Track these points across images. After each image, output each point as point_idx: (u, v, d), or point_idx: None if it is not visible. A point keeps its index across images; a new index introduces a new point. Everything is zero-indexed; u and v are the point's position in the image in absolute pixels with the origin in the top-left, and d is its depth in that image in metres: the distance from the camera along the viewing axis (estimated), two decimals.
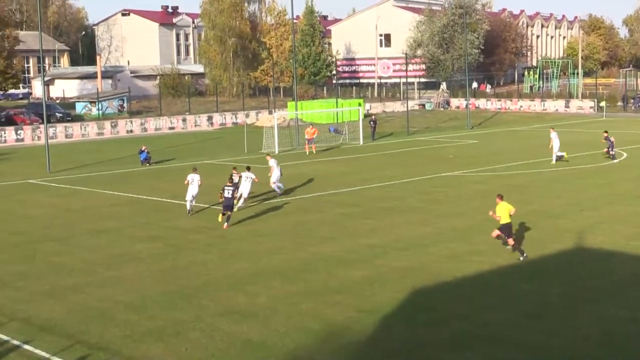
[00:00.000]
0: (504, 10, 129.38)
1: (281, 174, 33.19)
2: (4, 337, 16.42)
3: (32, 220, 29.36)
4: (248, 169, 30.92)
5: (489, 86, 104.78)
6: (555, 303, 18.01)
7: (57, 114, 70.33)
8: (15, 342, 16.15)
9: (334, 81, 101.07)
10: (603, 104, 76.11)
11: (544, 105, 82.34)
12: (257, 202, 31.52)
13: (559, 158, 41.75)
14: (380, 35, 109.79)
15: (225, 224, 26.96)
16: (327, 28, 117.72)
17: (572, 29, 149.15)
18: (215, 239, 25.28)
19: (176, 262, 22.48)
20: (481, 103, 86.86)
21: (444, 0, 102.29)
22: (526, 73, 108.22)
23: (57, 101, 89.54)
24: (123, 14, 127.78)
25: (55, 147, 51.99)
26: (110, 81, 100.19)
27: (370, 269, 21.13)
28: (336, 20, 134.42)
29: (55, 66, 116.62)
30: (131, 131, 66.85)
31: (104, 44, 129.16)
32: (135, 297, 19.05)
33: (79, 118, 72.70)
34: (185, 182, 29.77)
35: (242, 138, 52.37)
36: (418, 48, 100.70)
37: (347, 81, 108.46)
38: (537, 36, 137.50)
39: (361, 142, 54.95)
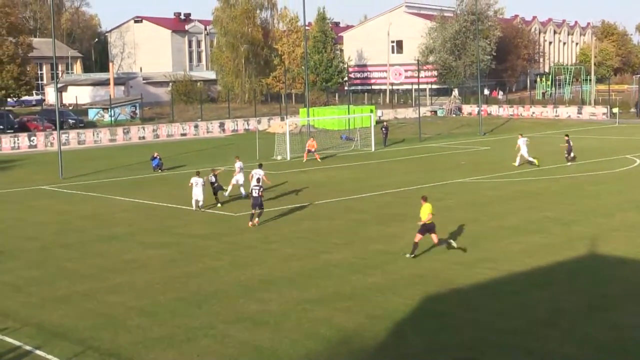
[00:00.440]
0: (516, 16, 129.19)
1: (243, 182, 33.63)
2: (17, 343, 16.45)
3: (44, 226, 29.45)
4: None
5: (501, 93, 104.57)
6: (568, 310, 17.90)
7: (69, 120, 70.69)
8: (28, 347, 16.19)
9: (346, 88, 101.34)
10: (616, 110, 75.80)
11: (556, 111, 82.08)
12: (269, 209, 31.48)
13: (527, 161, 43.05)
14: (392, 41, 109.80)
15: (257, 219, 27.95)
16: (339, 35, 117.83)
17: (584, 35, 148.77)
18: (226, 246, 25.28)
19: (187, 268, 22.49)
20: (493, 109, 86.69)
21: (456, 6, 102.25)
22: (538, 79, 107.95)
23: (70, 108, 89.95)
24: (136, 21, 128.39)
25: (67, 153, 52.21)
26: (122, 88, 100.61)
27: (381, 276, 21.07)
28: (348, 27, 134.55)
29: (68, 73, 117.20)
30: (143, 137, 67.05)
31: (116, 50, 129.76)
32: (147, 303, 19.06)
33: (91, 124, 73.02)
34: (189, 184, 31.70)
35: (254, 144, 52.42)
36: (430, 54, 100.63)
37: (359, 88, 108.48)
38: (550, 42, 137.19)
39: (373, 149, 54.91)
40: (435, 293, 19.45)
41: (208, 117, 77.33)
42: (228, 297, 19.48)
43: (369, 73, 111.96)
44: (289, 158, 49.30)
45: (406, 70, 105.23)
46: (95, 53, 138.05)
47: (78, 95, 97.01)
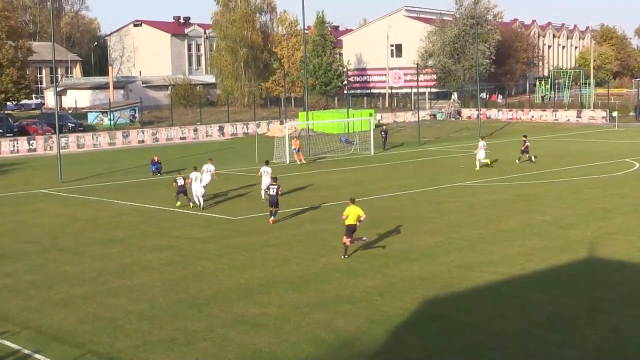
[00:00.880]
0: (515, 20, 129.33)
1: (206, 186, 34.02)
2: (16, 347, 16.44)
3: (43, 230, 29.45)
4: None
5: (500, 96, 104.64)
6: (568, 313, 17.90)
7: (69, 124, 70.76)
8: (27, 351, 16.18)
9: (345, 91, 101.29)
10: (615, 114, 75.89)
11: (555, 115, 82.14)
12: (268, 213, 31.51)
13: (483, 164, 44.46)
14: (391, 45, 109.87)
15: (272, 218, 28.74)
16: (338, 38, 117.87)
17: (584, 39, 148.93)
18: (225, 249, 25.28)
19: (187, 271, 22.49)
20: (492, 113, 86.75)
21: (455, 10, 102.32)
22: (538, 83, 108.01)
23: (70, 111, 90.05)
24: (135, 25, 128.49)
25: (67, 157, 52.23)
26: (122, 91, 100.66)
27: (381, 279, 21.07)
28: (347, 31, 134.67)
29: (67, 77, 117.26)
30: (143, 141, 67.09)
31: (116, 54, 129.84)
32: (146, 307, 19.06)
33: (91, 128, 73.08)
34: (189, 180, 32.98)
35: (253, 148, 52.46)
36: (429, 58, 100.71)
37: (358, 91, 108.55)
38: (549, 46, 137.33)
39: (372, 152, 54.94)
40: (434, 296, 19.46)
41: (207, 120, 77.37)
42: (227, 300, 19.48)
43: (368, 77, 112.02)
44: (287, 162, 49.30)
45: (405, 74, 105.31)
46: (94, 57, 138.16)
47: (77, 98, 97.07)
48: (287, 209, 31.86)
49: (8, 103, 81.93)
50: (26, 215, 32.90)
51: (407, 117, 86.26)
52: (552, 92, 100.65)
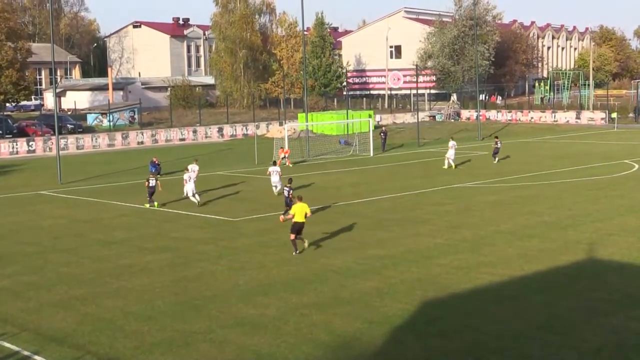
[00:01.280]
0: (514, 21, 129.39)
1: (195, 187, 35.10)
2: (15, 348, 16.44)
3: (42, 231, 29.45)
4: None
5: (499, 97, 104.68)
6: (567, 315, 17.90)
7: (68, 125, 70.77)
8: (26, 352, 16.17)
9: (345, 93, 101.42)
10: (614, 115, 75.93)
11: (554, 116, 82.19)
12: (267, 214, 31.53)
13: (449, 165, 45.54)
14: (391, 46, 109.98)
15: (282, 216, 29.15)
16: (337, 40, 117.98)
17: (583, 40, 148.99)
18: (224, 250, 25.29)
19: (186, 273, 22.49)
20: (492, 114, 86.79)
21: (454, 11, 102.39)
22: (537, 84, 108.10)
23: (69, 113, 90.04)
24: (134, 26, 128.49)
25: (66, 158, 52.23)
26: (121, 93, 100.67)
27: (380, 280, 21.07)
28: (346, 32, 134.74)
29: (67, 78, 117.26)
30: (142, 142, 67.10)
31: (115, 55, 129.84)
32: (145, 308, 19.06)
33: (90, 129, 73.10)
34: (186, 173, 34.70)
35: (252, 149, 52.47)
36: (428, 59, 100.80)
37: (358, 92, 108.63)
38: (548, 47, 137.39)
39: (371, 154, 54.95)
40: (433, 298, 19.46)
41: (207, 122, 77.38)
42: (226, 301, 19.48)
43: (367, 78, 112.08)
44: (287, 163, 49.29)
45: (405, 75, 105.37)
46: (94, 58, 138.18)
47: (77, 100, 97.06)
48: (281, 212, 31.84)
49: (7, 104, 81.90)
50: (25, 217, 32.89)
51: (406, 118, 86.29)
52: (552, 94, 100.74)
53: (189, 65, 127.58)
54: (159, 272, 22.66)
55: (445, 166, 45.65)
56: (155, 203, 34.09)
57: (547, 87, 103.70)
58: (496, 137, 50.35)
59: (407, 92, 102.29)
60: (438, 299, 19.43)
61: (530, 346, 16.03)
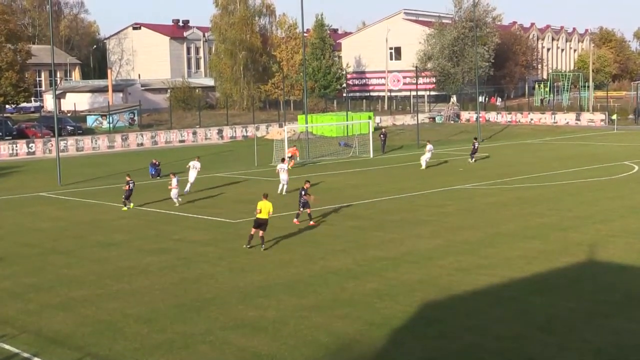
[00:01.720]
0: (514, 23, 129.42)
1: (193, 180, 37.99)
2: (15, 350, 16.41)
3: (42, 233, 29.43)
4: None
5: (499, 99, 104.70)
6: (567, 316, 17.88)
7: (68, 127, 70.79)
8: (26, 354, 16.15)
9: (344, 94, 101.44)
10: (614, 117, 75.94)
11: (554, 118, 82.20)
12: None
13: (422, 166, 46.51)
14: (391, 48, 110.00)
15: (296, 220, 29.43)
16: (337, 41, 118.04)
17: (582, 41, 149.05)
18: (224, 252, 25.27)
19: (186, 275, 22.47)
20: (491, 116, 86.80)
21: (454, 13, 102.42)
22: (537, 86, 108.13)
23: (69, 114, 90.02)
24: (134, 28, 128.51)
25: (66, 160, 52.22)
26: (121, 94, 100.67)
27: (380, 282, 21.05)
28: (346, 34, 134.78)
29: (66, 80, 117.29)
30: (142, 144, 67.10)
31: (115, 57, 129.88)
32: (145, 310, 19.04)
33: (90, 131, 73.11)
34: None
35: (252, 151, 52.46)
36: (428, 61, 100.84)
37: (357, 94, 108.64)
38: (548, 49, 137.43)
39: (371, 155, 54.94)
40: (433, 299, 19.44)
41: (206, 123, 77.38)
42: (226, 303, 19.46)
43: (367, 80, 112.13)
44: (287, 166, 49.21)
45: (404, 77, 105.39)
46: (93, 60, 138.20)
47: (76, 102, 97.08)
48: (286, 212, 31.85)
49: (7, 106, 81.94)
50: (25, 219, 32.87)
51: (406, 120, 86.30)
52: (551, 95, 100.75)
53: (189, 67, 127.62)
54: (159, 274, 22.65)
55: (423, 167, 46.44)
56: (132, 204, 34.30)
57: (547, 89, 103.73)
58: (475, 139, 51.69)
59: (407, 93, 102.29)
60: (438, 300, 19.41)
61: (530, 347, 16.01)
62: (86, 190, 41.04)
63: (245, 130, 74.27)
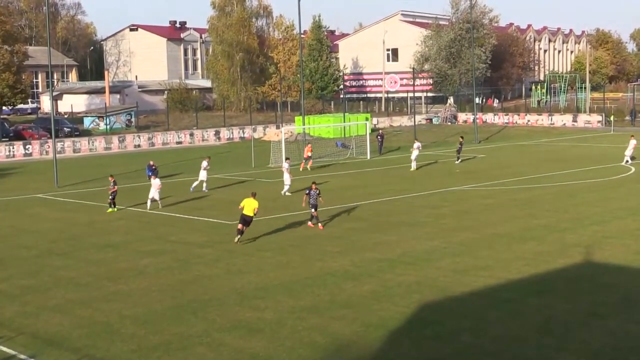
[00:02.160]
0: (511, 24, 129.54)
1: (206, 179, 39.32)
2: (11, 352, 16.40)
3: (39, 235, 29.40)
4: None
5: (496, 100, 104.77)
6: (564, 318, 17.90)
7: (65, 128, 70.68)
8: (22, 356, 16.14)
9: (342, 96, 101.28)
10: (611, 118, 76.01)
11: (551, 119, 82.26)
12: (265, 217, 31.51)
13: (412, 165, 47.02)
14: (388, 49, 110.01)
15: (310, 222, 29.19)
16: (334, 43, 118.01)
17: (579, 43, 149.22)
18: (221, 253, 25.26)
19: (183, 276, 22.46)
20: (488, 117, 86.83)
21: (451, 14, 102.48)
22: (533, 87, 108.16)
23: (65, 116, 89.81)
24: (131, 29, 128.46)
25: (63, 161, 52.17)
26: (118, 96, 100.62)
27: (377, 284, 21.06)
28: (343, 35, 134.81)
29: (63, 81, 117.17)
30: (139, 146, 67.05)
31: (112, 59, 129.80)
32: (142, 312, 19.03)
33: (87, 133, 73.04)
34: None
35: (249, 152, 52.45)
36: (425, 62, 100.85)
37: (355, 96, 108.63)
38: (545, 50, 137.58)
39: (368, 157, 54.95)
40: (430, 301, 19.45)
41: (203, 125, 77.36)
42: (223, 304, 19.46)
43: (364, 81, 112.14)
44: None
45: (402, 78, 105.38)
46: (90, 61, 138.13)
47: (73, 103, 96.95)
48: (283, 214, 31.87)
49: (4, 107, 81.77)
50: (22, 220, 32.84)
51: (403, 121, 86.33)
52: (548, 97, 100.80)
53: (186, 68, 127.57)
54: (156, 275, 22.64)
55: (413, 168, 46.79)
56: (116, 208, 34.14)
57: (544, 90, 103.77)
58: (461, 137, 52.49)
59: (404, 95, 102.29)
60: (435, 302, 19.42)
61: (527, 349, 16.02)
62: (83, 191, 41.01)
63: (243, 131, 74.27)
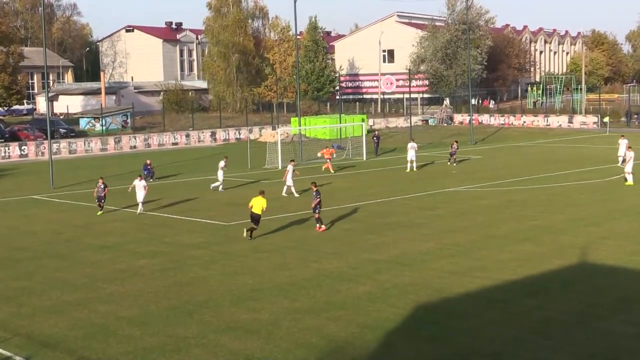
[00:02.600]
0: (507, 26, 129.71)
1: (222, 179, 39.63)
2: (7, 353, 16.37)
3: (35, 236, 29.36)
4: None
5: (492, 102, 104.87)
6: (560, 319, 17.92)
7: (60, 129, 70.62)
8: (18, 358, 16.11)
9: (337, 97, 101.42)
10: (607, 119, 76.12)
11: (547, 120, 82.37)
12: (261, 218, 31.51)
13: (411, 168, 46.96)
14: (384, 51, 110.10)
15: (319, 226, 28.80)
16: (330, 44, 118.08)
17: (575, 44, 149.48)
18: (217, 255, 25.25)
19: (179, 277, 22.45)
20: (484, 118, 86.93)
21: (447, 16, 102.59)
22: (529, 88, 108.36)
23: (61, 117, 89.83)
24: (127, 30, 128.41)
25: (58, 162, 52.12)
26: (114, 97, 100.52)
27: (373, 285, 21.07)
28: (339, 36, 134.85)
29: (59, 82, 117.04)
30: (135, 147, 67.00)
31: (107, 60, 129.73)
32: (138, 313, 19.01)
33: (82, 134, 72.93)
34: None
35: (245, 154, 52.43)
36: (421, 64, 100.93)
37: (351, 97, 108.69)
38: (541, 52, 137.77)
39: (364, 158, 54.97)
40: (426, 302, 19.46)
41: (199, 126, 77.32)
42: (219, 306, 19.45)
43: (360, 82, 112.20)
44: (280, 167, 49.29)
45: (397, 80, 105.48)
46: (86, 62, 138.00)
47: (69, 104, 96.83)
48: (280, 215, 31.85)
49: None
50: (17, 222, 32.79)
51: (399, 122, 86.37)
52: (544, 98, 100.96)
53: (182, 69, 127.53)
54: (152, 277, 22.62)
55: (409, 170, 46.79)
56: (102, 210, 33.65)
57: (540, 91, 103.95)
58: (455, 141, 52.25)
59: (400, 96, 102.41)
60: (431, 303, 19.44)
61: (523, 350, 16.04)
62: (79, 193, 40.95)
63: (239, 132, 74.25)
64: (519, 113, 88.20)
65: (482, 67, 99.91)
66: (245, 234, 27.22)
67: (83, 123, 78.70)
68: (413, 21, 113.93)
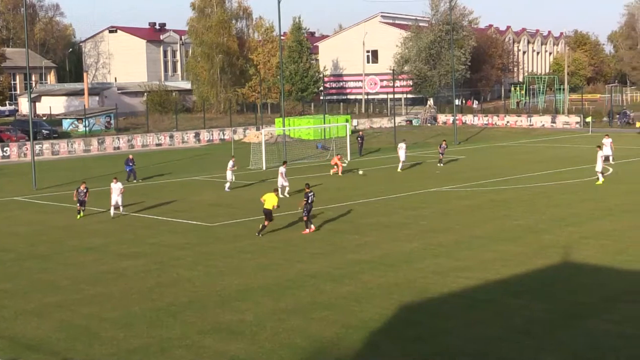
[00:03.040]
0: (490, 26, 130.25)
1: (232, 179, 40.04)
2: None
3: (17, 238, 29.18)
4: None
5: (475, 102, 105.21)
6: (543, 318, 18.01)
7: (43, 130, 70.15)
8: None
9: (322, 97, 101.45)
10: (589, 119, 76.52)
11: (530, 120, 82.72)
12: (245, 219, 31.48)
13: (401, 168, 47.05)
14: (368, 51, 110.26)
15: (308, 229, 28.51)
16: (314, 44, 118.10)
17: (558, 44, 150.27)
18: (201, 256, 25.20)
19: (162, 279, 22.39)
20: (468, 119, 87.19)
21: (430, 16, 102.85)
22: (513, 89, 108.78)
23: (44, 118, 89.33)
24: (110, 31, 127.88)
25: (41, 164, 51.81)
26: (97, 98, 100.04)
27: (357, 285, 21.10)
28: (323, 37, 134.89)
29: (42, 83, 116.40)
30: (118, 148, 66.73)
31: (91, 60, 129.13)
32: (121, 315, 18.95)
33: (65, 135, 72.51)
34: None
35: (229, 154, 52.27)
36: (405, 64, 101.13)
37: (335, 97, 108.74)
38: (524, 52, 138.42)
39: (349, 158, 54.99)
40: (410, 302, 19.51)
41: (183, 127, 77.11)
42: (203, 307, 19.42)
43: (344, 83, 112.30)
44: (264, 168, 49.23)
45: (381, 80, 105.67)
46: (69, 63, 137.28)
47: (52, 105, 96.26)
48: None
49: None
50: (0, 223, 32.57)
51: (383, 122, 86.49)
52: (527, 98, 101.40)
53: (166, 70, 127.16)
54: (136, 278, 22.55)
55: (399, 169, 46.85)
56: (82, 213, 33.00)
57: (523, 92, 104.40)
58: (444, 141, 52.47)
59: (384, 96, 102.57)
60: (415, 303, 19.49)
61: (507, 350, 16.12)
62: (62, 194, 40.70)
63: (223, 133, 74.11)
64: (502, 113, 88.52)
65: (465, 68, 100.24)
66: (259, 234, 27.90)
67: (66, 124, 78.27)
68: (397, 22, 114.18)
